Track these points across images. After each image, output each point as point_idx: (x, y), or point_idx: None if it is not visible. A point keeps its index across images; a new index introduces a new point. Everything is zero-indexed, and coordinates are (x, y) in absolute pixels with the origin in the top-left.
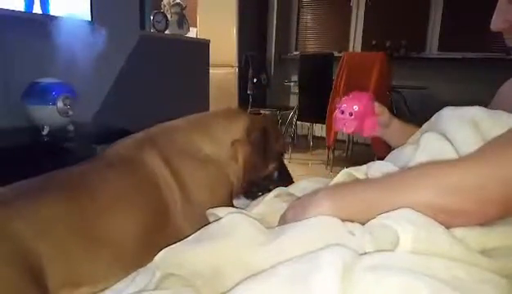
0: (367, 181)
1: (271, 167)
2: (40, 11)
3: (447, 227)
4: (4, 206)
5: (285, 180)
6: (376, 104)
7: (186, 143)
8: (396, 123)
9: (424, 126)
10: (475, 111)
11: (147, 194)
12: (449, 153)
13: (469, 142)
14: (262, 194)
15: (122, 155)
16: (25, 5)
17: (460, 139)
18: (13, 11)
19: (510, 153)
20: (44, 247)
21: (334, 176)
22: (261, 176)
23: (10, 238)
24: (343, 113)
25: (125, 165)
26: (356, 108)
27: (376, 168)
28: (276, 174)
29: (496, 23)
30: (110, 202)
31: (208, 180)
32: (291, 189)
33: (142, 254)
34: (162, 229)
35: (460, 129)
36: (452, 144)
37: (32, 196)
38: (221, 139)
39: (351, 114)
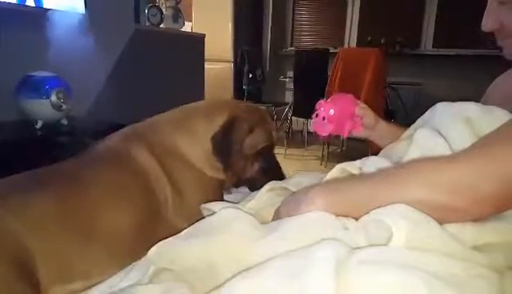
0: (360, 177)
1: (256, 164)
2: (33, 4)
3: (441, 223)
4: None
5: (276, 177)
6: (361, 105)
7: (168, 141)
8: (382, 125)
9: (418, 121)
10: (469, 107)
11: (138, 188)
12: (442, 149)
13: (462, 138)
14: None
15: (111, 150)
16: None
17: (453, 135)
18: (6, 3)
19: (503, 148)
20: (36, 242)
21: (329, 171)
22: (245, 175)
23: (1, 233)
24: (317, 116)
25: (115, 159)
26: (332, 112)
27: (370, 163)
28: (262, 171)
29: (487, 24)
30: (102, 195)
31: (194, 178)
32: (285, 183)
33: (136, 248)
34: (154, 223)
35: (453, 125)
36: (446, 140)
37: (23, 191)
38: (202, 137)
39: (324, 118)
